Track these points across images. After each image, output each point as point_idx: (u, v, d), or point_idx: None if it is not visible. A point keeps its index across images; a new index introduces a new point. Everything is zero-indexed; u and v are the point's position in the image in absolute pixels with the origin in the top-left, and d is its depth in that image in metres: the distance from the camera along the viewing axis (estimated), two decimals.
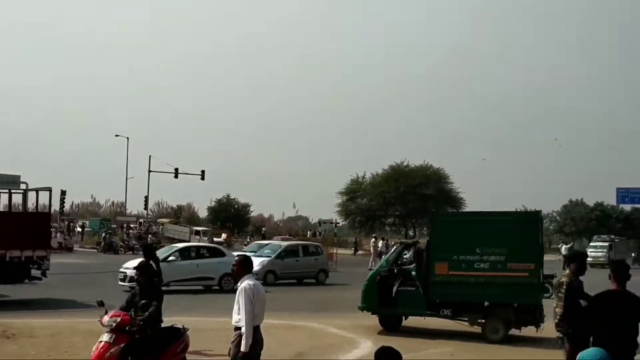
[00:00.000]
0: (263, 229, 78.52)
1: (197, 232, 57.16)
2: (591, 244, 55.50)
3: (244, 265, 7.47)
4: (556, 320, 8.06)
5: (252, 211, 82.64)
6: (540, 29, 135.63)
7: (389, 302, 14.96)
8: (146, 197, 65.56)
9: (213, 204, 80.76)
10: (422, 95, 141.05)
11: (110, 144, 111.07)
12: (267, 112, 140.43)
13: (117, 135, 66.83)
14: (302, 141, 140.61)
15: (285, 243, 32.25)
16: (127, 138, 66.77)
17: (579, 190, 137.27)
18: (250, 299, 7.08)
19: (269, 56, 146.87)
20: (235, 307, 7.23)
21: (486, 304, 14.53)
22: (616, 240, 55.64)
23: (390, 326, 15.18)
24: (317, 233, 62.17)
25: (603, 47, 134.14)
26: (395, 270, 15.40)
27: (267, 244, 31.91)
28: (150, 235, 52.87)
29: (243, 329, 7.05)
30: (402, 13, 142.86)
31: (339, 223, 66.27)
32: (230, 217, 77.53)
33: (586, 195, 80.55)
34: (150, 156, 64.90)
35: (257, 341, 7.19)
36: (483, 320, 14.45)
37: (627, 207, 79.54)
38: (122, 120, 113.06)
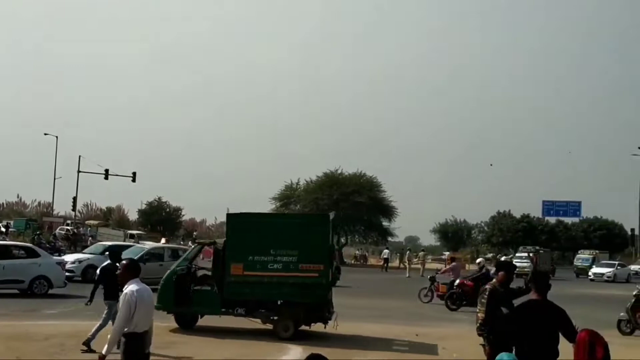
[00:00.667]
0: (194, 233, 77.68)
1: (132, 236, 55.86)
2: (517, 254, 57.08)
3: (129, 270, 7.28)
4: (477, 325, 8.29)
5: (183, 215, 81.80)
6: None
7: (184, 301, 15.10)
8: (74, 198, 63.91)
9: (144, 206, 79.51)
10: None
11: (38, 143, 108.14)
12: (205, 117, 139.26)
13: (46, 134, 65.10)
14: (239, 147, 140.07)
15: (151, 245, 30.69)
16: (56, 137, 65.10)
17: (506, 202, 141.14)
18: (129, 305, 6.86)
19: (206, 59, 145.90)
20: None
21: (279, 302, 14.93)
22: (540, 251, 57.29)
23: (186, 324, 15.40)
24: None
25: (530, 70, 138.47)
26: (192, 270, 15.69)
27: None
28: (71, 235, 51.24)
29: (109, 334, 6.92)
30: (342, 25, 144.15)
31: None
32: (161, 220, 76.52)
33: (514, 207, 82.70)
34: (80, 156, 63.40)
35: (141, 348, 6.99)
36: (275, 318, 14.84)
37: (552, 220, 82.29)
38: (51, 119, 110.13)
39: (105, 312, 12.36)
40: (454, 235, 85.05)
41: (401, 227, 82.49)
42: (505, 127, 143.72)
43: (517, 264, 46.80)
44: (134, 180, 63.23)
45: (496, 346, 7.36)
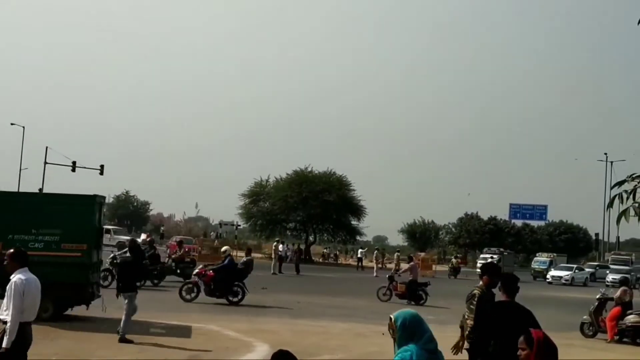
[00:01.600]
0: (161, 228, 77.07)
1: (107, 231, 54.32)
2: (481, 255, 57.84)
3: (16, 258, 7.22)
4: (467, 332, 8.08)
5: (151, 209, 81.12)
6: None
7: None
8: (40, 190, 62.97)
9: (111, 200, 78.70)
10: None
11: (4, 133, 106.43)
12: (176, 110, 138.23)
13: (12, 124, 64.09)
14: (208, 139, 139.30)
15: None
16: (23, 127, 64.13)
17: (474, 204, 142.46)
18: (20, 294, 6.84)
19: (181, 53, 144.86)
20: (5, 300, 6.95)
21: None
22: (505, 253, 58.18)
23: None
24: (219, 235, 61.19)
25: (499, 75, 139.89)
26: None
27: None
28: None
29: (8, 324, 6.78)
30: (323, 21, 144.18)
31: (240, 225, 65.78)
32: (128, 214, 75.85)
33: (481, 210, 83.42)
34: (47, 147, 62.52)
35: (24, 338, 6.91)
36: None
37: (519, 223, 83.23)
38: (18, 109, 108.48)
39: (126, 303, 13.04)
40: (421, 236, 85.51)
41: (370, 227, 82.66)
42: (477, 129, 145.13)
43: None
44: (101, 173, 62.53)
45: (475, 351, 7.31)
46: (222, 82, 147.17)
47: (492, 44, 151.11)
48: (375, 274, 42.84)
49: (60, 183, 67.48)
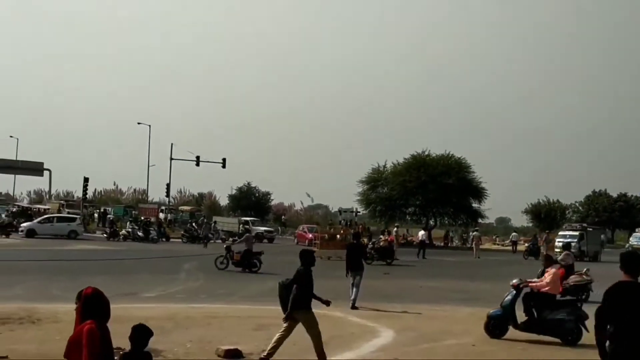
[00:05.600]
0: (283, 217, 78.65)
1: (247, 223, 55.95)
2: (560, 233, 49.94)
3: None
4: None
5: (272, 199, 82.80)
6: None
7: None
8: (168, 185, 66.01)
9: (234, 191, 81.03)
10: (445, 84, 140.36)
11: (132, 132, 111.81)
12: (287, 104, 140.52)
13: (139, 123, 67.27)
14: (321, 131, 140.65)
15: None
16: (149, 126, 67.19)
17: (602, 181, 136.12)
18: None
19: (298, 51, 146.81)
20: None
21: None
22: (589, 229, 48.81)
23: None
24: (346, 223, 60.56)
25: None
26: None
27: None
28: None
29: None
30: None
31: (359, 212, 66.10)
32: (251, 205, 77.70)
33: (610, 186, 79.55)
34: (172, 144, 65.33)
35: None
36: None
37: None
38: (144, 108, 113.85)
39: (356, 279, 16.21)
40: (546, 216, 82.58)
41: (491, 209, 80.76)
42: (601, 104, 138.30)
43: (560, 245, 43.56)
44: (224, 167, 64.72)
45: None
46: (339, 69, 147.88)
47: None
48: (476, 256, 42.30)
49: (186, 178, 70.41)
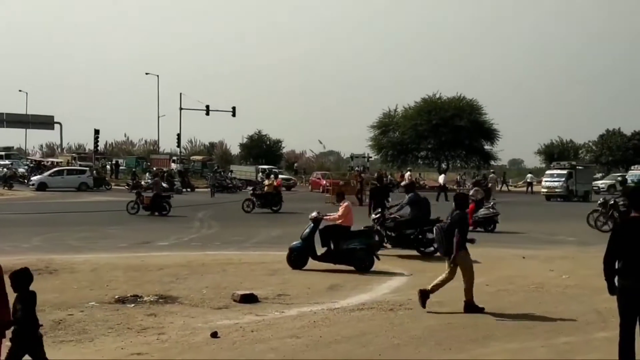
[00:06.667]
0: (295, 164, 78.55)
1: (264, 171, 52.12)
2: (547, 172, 47.16)
3: None
4: None
5: (283, 147, 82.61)
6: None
7: None
8: (178, 135, 65.92)
9: (245, 140, 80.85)
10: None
11: (140, 83, 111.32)
12: (293, 50, 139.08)
13: (147, 74, 66.92)
14: (329, 79, 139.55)
15: None
16: (157, 76, 66.88)
17: (616, 119, 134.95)
18: None
19: None
20: None
21: None
22: (579, 167, 45.40)
23: None
24: (357, 169, 59.84)
25: None
26: None
27: None
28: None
29: None
30: None
31: (371, 157, 65.95)
32: (262, 153, 77.57)
33: (623, 125, 78.50)
34: (181, 94, 65.01)
35: None
36: None
37: None
38: (150, 59, 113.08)
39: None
40: (559, 156, 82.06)
41: (504, 150, 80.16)
42: (615, 44, 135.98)
43: (547, 184, 42.67)
44: (234, 115, 64.40)
45: None
46: (350, 19, 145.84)
47: None
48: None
49: (196, 127, 70.26)
